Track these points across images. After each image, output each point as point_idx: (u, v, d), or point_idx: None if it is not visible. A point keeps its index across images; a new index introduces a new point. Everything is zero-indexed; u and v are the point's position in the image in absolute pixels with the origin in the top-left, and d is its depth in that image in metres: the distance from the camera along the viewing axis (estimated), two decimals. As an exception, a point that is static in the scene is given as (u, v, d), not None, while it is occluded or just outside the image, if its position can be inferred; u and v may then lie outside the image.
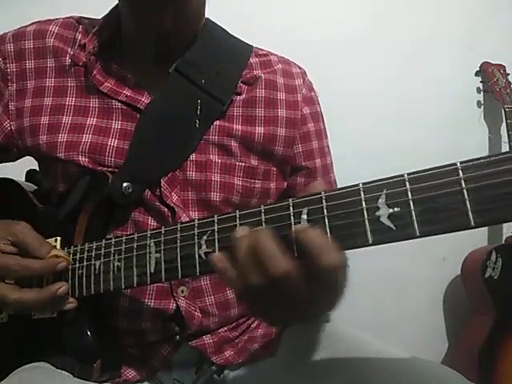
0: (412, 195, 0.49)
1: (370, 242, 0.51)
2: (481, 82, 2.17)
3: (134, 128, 0.88)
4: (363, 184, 0.52)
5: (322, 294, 0.57)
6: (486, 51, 2.16)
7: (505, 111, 1.97)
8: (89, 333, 0.80)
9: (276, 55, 1.05)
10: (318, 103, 1.06)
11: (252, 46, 1.03)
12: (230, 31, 1.02)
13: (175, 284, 0.87)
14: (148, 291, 0.87)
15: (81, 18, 0.99)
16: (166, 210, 0.87)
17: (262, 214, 0.59)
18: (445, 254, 2.07)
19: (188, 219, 0.86)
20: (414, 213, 0.48)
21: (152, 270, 0.68)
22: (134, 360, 0.89)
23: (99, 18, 0.97)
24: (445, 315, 2.13)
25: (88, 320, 0.81)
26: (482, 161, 0.46)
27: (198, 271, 0.63)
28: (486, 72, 2.10)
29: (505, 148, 2.06)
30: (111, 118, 0.89)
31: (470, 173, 0.46)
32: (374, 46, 2.11)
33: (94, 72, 0.90)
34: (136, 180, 0.83)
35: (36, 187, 1.01)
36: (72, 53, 0.93)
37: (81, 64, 0.92)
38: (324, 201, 0.54)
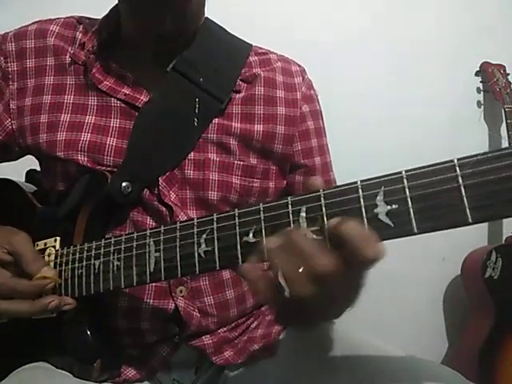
0: (410, 192, 0.49)
1: None
2: (481, 82, 2.17)
3: (131, 127, 0.88)
4: (361, 181, 0.52)
5: (361, 285, 0.57)
6: (486, 51, 2.16)
7: (505, 111, 1.97)
8: (88, 332, 0.81)
9: (275, 53, 1.05)
10: (318, 101, 1.06)
11: (251, 45, 1.03)
12: (229, 31, 1.02)
13: (174, 284, 0.87)
14: (147, 291, 0.87)
15: (81, 17, 0.99)
16: (164, 209, 0.86)
17: (261, 213, 0.59)
18: (445, 254, 2.07)
19: (186, 218, 0.86)
20: (411, 210, 0.48)
21: (151, 269, 0.68)
22: (134, 360, 0.89)
23: (99, 17, 0.97)
24: (445, 315, 2.13)
25: (87, 320, 0.82)
26: (478, 157, 0.46)
27: (197, 270, 0.63)
28: (486, 72, 2.10)
29: (504, 143, 2.07)
30: (110, 117, 0.89)
31: (467, 169, 0.46)
32: (374, 46, 2.11)
33: (94, 70, 0.90)
34: (135, 179, 0.84)
35: (35, 188, 1.02)
36: (72, 51, 0.93)
37: (80, 62, 0.92)
38: (322, 198, 0.54)
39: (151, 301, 0.86)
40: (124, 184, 0.82)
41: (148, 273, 0.68)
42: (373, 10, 2.14)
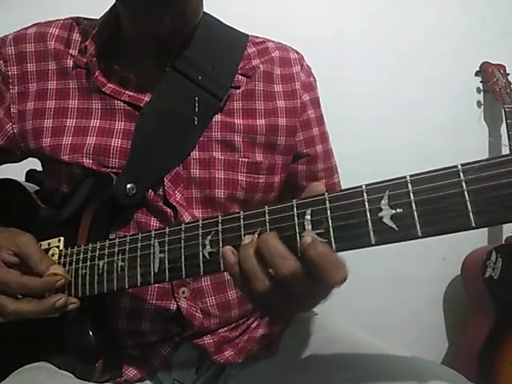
0: (414, 196, 0.49)
1: (373, 242, 0.51)
2: (481, 82, 2.17)
3: (134, 128, 0.88)
4: (366, 185, 0.53)
5: (323, 289, 0.59)
6: (486, 51, 2.16)
7: (505, 111, 1.98)
8: (91, 333, 0.80)
9: (273, 41, 1.05)
10: (317, 88, 1.06)
11: (248, 36, 1.02)
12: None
13: (176, 285, 0.87)
14: (149, 292, 0.87)
15: (80, 18, 0.99)
16: (168, 210, 0.87)
17: (266, 215, 0.59)
18: (445, 254, 2.07)
19: (190, 218, 0.87)
20: (416, 214, 0.49)
21: (156, 270, 0.68)
22: (135, 359, 0.90)
23: (98, 17, 0.97)
24: (445, 315, 2.13)
25: (90, 320, 0.82)
26: (482, 163, 0.47)
27: (202, 271, 0.63)
28: (486, 72, 2.10)
29: (504, 149, 2.07)
30: (114, 119, 0.89)
31: (470, 175, 0.47)
32: (374, 46, 2.11)
33: (96, 74, 0.90)
34: (139, 180, 0.84)
35: (38, 187, 1.02)
36: (73, 55, 0.93)
37: (82, 66, 0.92)
38: (327, 202, 0.55)
39: (153, 302, 0.87)
40: (129, 186, 0.82)
41: (152, 273, 0.69)
42: (373, 10, 2.14)
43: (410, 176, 0.50)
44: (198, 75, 0.90)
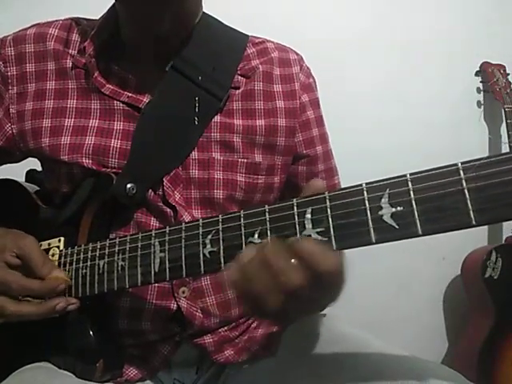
0: (414, 195, 0.49)
1: (373, 240, 0.51)
2: (481, 82, 2.18)
3: (134, 128, 0.88)
4: (366, 184, 0.53)
5: (323, 294, 0.60)
6: (486, 51, 2.17)
7: (505, 111, 1.98)
8: (91, 333, 0.80)
9: (272, 42, 1.05)
10: (316, 89, 1.06)
11: (248, 36, 1.02)
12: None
13: (176, 284, 0.87)
14: (149, 292, 0.87)
15: (79, 19, 0.99)
16: (168, 209, 0.87)
17: (266, 214, 0.59)
18: (445, 254, 2.08)
19: (190, 218, 0.86)
20: (416, 212, 0.49)
21: (156, 270, 0.68)
22: (135, 359, 0.89)
23: (98, 18, 0.97)
24: (445, 315, 2.13)
25: (90, 320, 0.82)
26: (482, 161, 0.47)
27: (202, 270, 0.63)
28: (486, 72, 2.10)
29: (505, 148, 2.07)
30: (113, 120, 0.89)
31: (470, 173, 0.47)
32: (374, 46, 2.11)
33: (95, 74, 0.90)
34: (139, 180, 0.84)
35: (38, 188, 1.02)
36: (73, 55, 0.93)
37: (81, 66, 0.92)
38: (328, 200, 0.55)
39: (154, 301, 0.87)
40: (129, 185, 0.82)
41: (153, 273, 0.69)
42: (373, 10, 2.14)
43: (410, 174, 0.50)
44: (197, 75, 0.90)
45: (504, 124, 1.99)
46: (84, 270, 0.78)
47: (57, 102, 0.91)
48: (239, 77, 0.95)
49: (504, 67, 2.11)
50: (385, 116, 2.08)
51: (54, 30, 0.95)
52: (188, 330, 0.88)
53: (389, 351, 0.82)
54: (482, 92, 2.20)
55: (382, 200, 0.51)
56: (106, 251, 0.76)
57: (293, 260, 0.54)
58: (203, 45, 0.94)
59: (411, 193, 0.49)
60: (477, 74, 2.19)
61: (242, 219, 0.61)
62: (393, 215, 0.50)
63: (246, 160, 0.92)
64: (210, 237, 0.63)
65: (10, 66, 0.93)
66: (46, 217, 0.90)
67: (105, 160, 0.87)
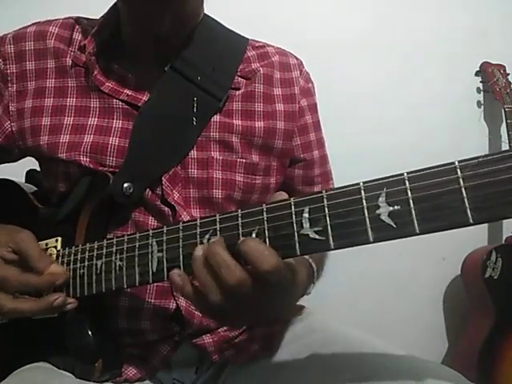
0: (412, 193, 0.49)
1: (371, 239, 0.51)
2: (481, 82, 2.17)
3: (132, 127, 0.88)
4: (364, 183, 0.53)
5: (272, 296, 0.61)
6: (486, 51, 2.16)
7: (505, 111, 1.98)
8: (90, 332, 0.80)
9: (273, 46, 1.06)
10: (315, 94, 1.07)
11: (248, 39, 1.03)
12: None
13: (175, 283, 0.87)
14: (148, 291, 0.87)
15: (80, 18, 0.99)
16: (166, 209, 0.87)
17: (264, 213, 0.59)
18: (445, 254, 2.07)
19: (189, 217, 0.87)
20: (413, 211, 0.49)
21: (154, 269, 0.68)
22: (134, 359, 0.89)
23: (98, 18, 0.97)
24: (445, 315, 2.13)
25: (89, 320, 0.81)
26: (479, 159, 0.47)
27: None
28: (486, 72, 2.10)
29: (505, 147, 2.07)
30: (112, 118, 0.89)
31: (467, 171, 0.47)
32: (374, 47, 2.11)
33: (95, 72, 0.90)
34: (136, 180, 0.84)
35: (36, 188, 1.02)
36: (72, 53, 0.93)
37: (81, 64, 0.92)
38: (325, 200, 0.55)
39: (153, 300, 0.87)
40: (126, 185, 0.82)
41: (151, 273, 0.68)
42: (373, 10, 2.14)
43: (408, 173, 0.50)
44: (197, 76, 0.90)
45: (504, 124, 1.99)
46: (82, 270, 0.78)
47: (56, 100, 0.91)
48: (239, 78, 0.96)
49: (504, 67, 2.10)
50: (385, 116, 2.08)
51: (54, 28, 0.95)
52: (187, 330, 0.88)
53: (388, 351, 0.82)
54: (482, 92, 2.20)
55: (380, 199, 0.51)
56: (104, 251, 0.76)
57: (230, 258, 0.58)
58: (203, 46, 0.94)
59: (408, 192, 0.49)
60: (477, 74, 2.18)
61: (239, 219, 0.61)
62: (390, 214, 0.50)
63: (244, 160, 0.92)
64: (207, 236, 0.63)
65: (10, 63, 0.93)
66: (43, 217, 0.90)
67: (102, 158, 0.87)
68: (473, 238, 2.02)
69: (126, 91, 0.90)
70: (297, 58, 1.07)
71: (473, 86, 2.21)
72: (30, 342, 0.86)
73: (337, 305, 0.74)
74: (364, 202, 0.52)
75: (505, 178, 0.45)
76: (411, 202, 0.49)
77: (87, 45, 0.90)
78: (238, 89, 0.95)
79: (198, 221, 0.65)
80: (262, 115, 0.95)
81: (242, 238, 0.59)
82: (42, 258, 0.77)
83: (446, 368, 0.77)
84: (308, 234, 0.55)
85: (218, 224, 0.63)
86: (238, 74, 0.96)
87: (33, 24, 0.97)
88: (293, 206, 0.57)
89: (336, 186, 1.10)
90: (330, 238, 0.54)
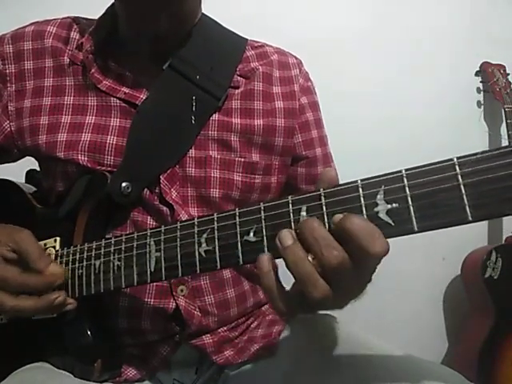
0: (410, 191, 0.49)
1: None
2: (481, 82, 2.17)
3: (130, 126, 0.88)
4: (361, 180, 0.53)
5: (364, 280, 0.58)
6: (486, 51, 2.16)
7: (505, 111, 1.98)
8: (89, 332, 0.80)
9: (271, 46, 1.06)
10: (315, 93, 1.07)
11: (247, 39, 1.03)
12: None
13: (175, 283, 0.87)
14: (147, 290, 0.87)
15: (77, 17, 1.00)
16: (164, 208, 0.87)
17: (262, 212, 0.59)
18: (445, 254, 2.07)
19: (187, 216, 0.87)
20: (412, 208, 0.49)
21: (152, 269, 0.68)
22: (134, 359, 0.89)
23: (96, 18, 0.97)
24: (445, 315, 2.13)
25: (88, 320, 0.81)
26: (478, 156, 0.46)
27: (198, 269, 0.63)
28: (486, 72, 2.10)
29: (504, 143, 2.07)
30: (109, 116, 0.90)
31: (466, 168, 0.47)
32: (374, 46, 2.11)
33: (92, 70, 0.90)
34: (134, 179, 0.84)
35: (35, 188, 1.02)
36: (70, 52, 0.93)
37: (79, 63, 0.92)
38: (323, 197, 0.54)
39: (152, 300, 0.87)
40: (124, 184, 0.82)
41: (149, 272, 0.68)
42: (373, 10, 2.14)
43: (406, 170, 0.50)
44: (195, 75, 0.90)
45: (504, 124, 1.99)
46: (80, 271, 0.78)
47: (54, 98, 0.91)
48: (238, 77, 0.96)
49: (504, 67, 2.10)
50: (385, 116, 2.08)
51: (52, 28, 0.95)
52: (187, 330, 0.88)
53: (389, 351, 0.82)
54: (482, 92, 2.20)
55: (378, 196, 0.51)
56: (102, 251, 0.76)
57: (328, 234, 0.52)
58: (201, 45, 0.95)
59: (407, 189, 0.49)
60: (477, 74, 2.19)
61: (237, 217, 0.61)
62: (388, 212, 0.50)
63: (243, 159, 0.92)
64: (205, 235, 0.63)
65: (9, 63, 0.93)
66: (41, 217, 0.90)
67: (100, 157, 0.87)
68: (473, 238, 2.02)
69: (124, 89, 0.90)
70: (296, 58, 1.07)
71: (473, 85, 2.21)
72: (29, 343, 0.86)
73: (336, 305, 0.74)
74: (362, 199, 0.52)
75: (504, 175, 0.45)
76: (409, 199, 0.49)
77: (84, 43, 0.91)
78: (237, 87, 0.95)
79: (196, 220, 0.65)
80: (261, 113, 0.95)
81: (340, 215, 0.52)
82: (42, 258, 0.77)
83: (446, 368, 0.77)
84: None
85: (215, 223, 0.63)
86: (237, 73, 0.96)
87: (31, 24, 0.98)
88: (290, 205, 0.57)
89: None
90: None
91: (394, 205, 0.50)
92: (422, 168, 0.49)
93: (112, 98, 0.90)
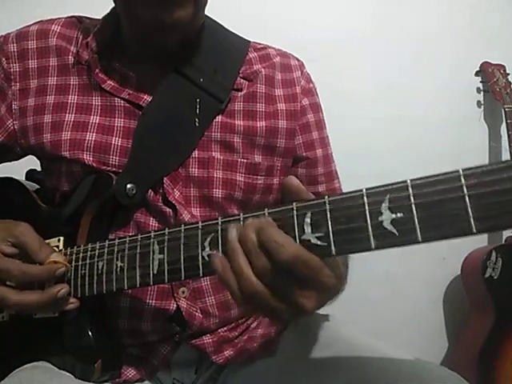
0: (415, 201, 0.49)
1: (373, 246, 0.51)
2: (481, 82, 2.17)
3: (135, 129, 0.88)
4: (367, 189, 0.52)
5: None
6: (486, 51, 2.16)
7: (505, 111, 1.98)
8: (90, 333, 0.81)
9: (274, 48, 1.06)
10: (317, 94, 1.07)
11: (249, 41, 1.04)
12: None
13: (176, 285, 0.87)
14: (149, 292, 0.87)
15: (82, 17, 1.00)
16: (167, 209, 0.87)
17: (266, 217, 0.59)
18: (445, 254, 2.07)
19: (190, 216, 0.87)
20: (416, 218, 0.48)
21: (155, 271, 0.68)
22: (134, 360, 0.90)
23: (100, 18, 0.97)
24: (445, 315, 2.13)
25: (89, 320, 0.82)
26: (484, 168, 0.46)
27: (201, 273, 0.63)
28: (486, 72, 2.10)
29: (505, 147, 2.07)
30: (114, 116, 0.90)
31: (472, 180, 0.46)
32: (375, 46, 2.12)
33: (97, 70, 0.90)
34: (139, 181, 0.84)
35: (38, 186, 1.02)
36: (74, 51, 0.94)
37: (83, 62, 0.92)
38: (327, 205, 0.55)
39: (153, 301, 0.87)
40: (129, 186, 0.82)
41: (151, 275, 0.69)
42: (373, 10, 2.14)
43: (411, 180, 0.50)
44: (199, 77, 0.91)
45: (504, 124, 1.99)
46: (83, 271, 0.78)
47: (58, 97, 0.92)
48: (241, 79, 0.97)
49: (504, 67, 2.10)
50: (385, 116, 2.08)
51: (56, 27, 0.96)
52: (187, 331, 0.88)
53: (388, 353, 0.82)
54: (482, 92, 2.20)
55: (383, 205, 0.51)
56: (105, 252, 0.76)
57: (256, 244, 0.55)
58: (205, 47, 0.95)
59: (412, 199, 0.49)
60: (477, 74, 2.19)
61: (241, 222, 0.61)
62: (393, 221, 0.50)
63: (245, 160, 0.93)
64: (209, 239, 0.63)
65: (13, 62, 0.94)
66: (45, 216, 0.90)
67: (106, 157, 0.87)
68: (473, 238, 2.00)
69: (128, 90, 0.91)
70: (298, 60, 1.07)
71: (473, 85, 2.21)
72: (30, 342, 0.86)
73: (336, 305, 0.74)
74: (367, 208, 0.52)
75: (509, 188, 0.45)
76: (414, 209, 0.49)
77: (90, 42, 0.91)
78: (240, 90, 0.95)
79: (200, 223, 0.65)
80: (263, 115, 0.96)
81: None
82: (43, 248, 0.78)
83: (447, 370, 0.76)
84: (309, 240, 0.55)
85: (219, 226, 0.63)
86: (240, 75, 0.97)
87: (35, 23, 0.98)
88: (295, 211, 0.57)
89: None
90: (332, 244, 0.54)
91: (398, 214, 0.50)
92: (427, 178, 0.49)
93: (116, 99, 0.90)
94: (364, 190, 0.53)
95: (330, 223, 0.54)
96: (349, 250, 0.53)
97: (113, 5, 0.92)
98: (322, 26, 2.07)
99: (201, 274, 0.63)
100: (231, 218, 0.62)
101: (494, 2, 2.26)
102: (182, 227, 0.67)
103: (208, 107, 0.91)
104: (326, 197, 0.55)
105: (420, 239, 0.48)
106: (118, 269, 0.73)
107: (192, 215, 0.88)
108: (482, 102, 2.21)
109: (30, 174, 1.10)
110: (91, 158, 0.87)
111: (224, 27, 1.02)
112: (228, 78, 0.94)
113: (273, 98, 0.98)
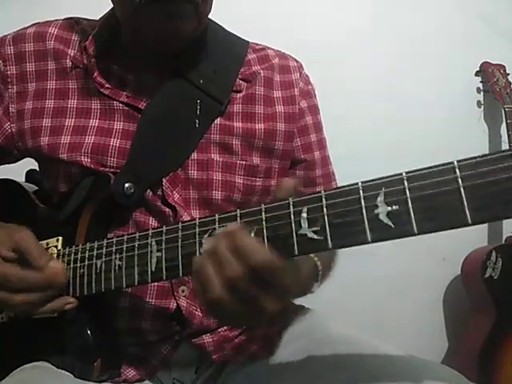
0: (410, 193, 0.49)
1: (369, 239, 0.51)
2: (481, 82, 2.18)
3: (135, 129, 0.88)
4: (362, 183, 0.53)
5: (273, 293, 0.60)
6: (486, 51, 2.16)
7: (505, 111, 1.98)
8: (89, 332, 0.80)
9: (273, 49, 1.06)
10: (315, 96, 1.07)
11: (248, 42, 1.04)
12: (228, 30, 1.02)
13: (176, 283, 0.87)
14: (149, 291, 0.87)
15: (79, 19, 0.99)
16: (167, 209, 0.87)
17: (263, 213, 0.59)
18: (445, 254, 2.07)
19: (189, 218, 0.86)
20: (412, 211, 0.49)
21: (153, 269, 0.68)
22: (134, 359, 0.89)
23: (97, 18, 0.97)
24: (445, 315, 2.13)
25: (88, 319, 0.82)
26: (478, 159, 0.47)
27: None
28: (486, 72, 2.10)
29: (504, 147, 2.07)
30: (113, 119, 0.90)
31: (466, 171, 0.47)
32: (374, 46, 2.12)
33: (95, 74, 0.90)
34: (137, 180, 0.84)
35: (37, 187, 1.02)
36: (72, 55, 0.93)
37: (81, 66, 0.92)
38: (324, 199, 0.55)
39: (153, 300, 0.87)
40: (127, 185, 0.82)
41: (150, 272, 0.69)
42: (372, 10, 2.14)
43: (406, 173, 0.50)
44: (199, 79, 0.91)
45: (504, 124, 1.99)
46: (82, 270, 0.78)
47: (57, 101, 0.91)
48: (240, 81, 0.97)
49: (504, 67, 2.11)
50: (384, 116, 2.08)
51: (53, 29, 0.95)
52: (187, 329, 0.88)
53: (388, 352, 0.82)
54: (482, 92, 2.21)
55: (378, 199, 0.51)
56: (104, 251, 0.76)
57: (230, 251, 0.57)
58: (205, 49, 0.95)
59: (407, 191, 0.49)
60: (477, 74, 2.19)
61: (238, 218, 0.61)
62: (389, 214, 0.50)
63: (244, 162, 0.93)
64: (206, 236, 0.63)
65: (10, 64, 0.93)
66: (44, 216, 0.90)
67: (104, 159, 0.87)
68: (473, 238, 2.02)
69: (126, 93, 0.90)
70: (296, 61, 1.07)
71: (473, 86, 2.21)
72: (29, 342, 0.86)
73: (336, 305, 0.74)
74: (362, 201, 0.52)
75: (503, 178, 0.45)
76: (409, 201, 0.49)
77: (87, 46, 0.91)
78: (239, 91, 0.96)
79: (197, 220, 0.65)
80: (262, 117, 0.96)
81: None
82: (42, 255, 0.77)
83: (446, 368, 0.76)
84: (306, 234, 0.55)
85: (217, 223, 0.63)
86: (239, 76, 0.97)
87: (32, 25, 0.98)
88: (291, 206, 0.57)
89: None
90: (328, 237, 0.54)
91: (394, 207, 0.50)
92: (422, 171, 0.50)
93: (115, 102, 0.90)
94: (360, 184, 0.53)
95: (326, 217, 0.54)
96: (345, 244, 0.53)
97: (110, 5, 0.92)
98: (321, 26, 2.07)
99: None
100: (228, 214, 0.63)
101: (494, 1, 2.26)
102: (180, 225, 0.67)
103: (208, 109, 0.91)
104: (322, 191, 0.56)
105: (416, 231, 0.49)
106: (117, 267, 0.73)
107: (191, 217, 0.88)
108: (482, 102, 2.21)
109: (30, 175, 1.10)
110: (89, 160, 0.87)
111: (223, 28, 1.02)
112: (227, 80, 0.95)
113: (271, 100, 0.98)
